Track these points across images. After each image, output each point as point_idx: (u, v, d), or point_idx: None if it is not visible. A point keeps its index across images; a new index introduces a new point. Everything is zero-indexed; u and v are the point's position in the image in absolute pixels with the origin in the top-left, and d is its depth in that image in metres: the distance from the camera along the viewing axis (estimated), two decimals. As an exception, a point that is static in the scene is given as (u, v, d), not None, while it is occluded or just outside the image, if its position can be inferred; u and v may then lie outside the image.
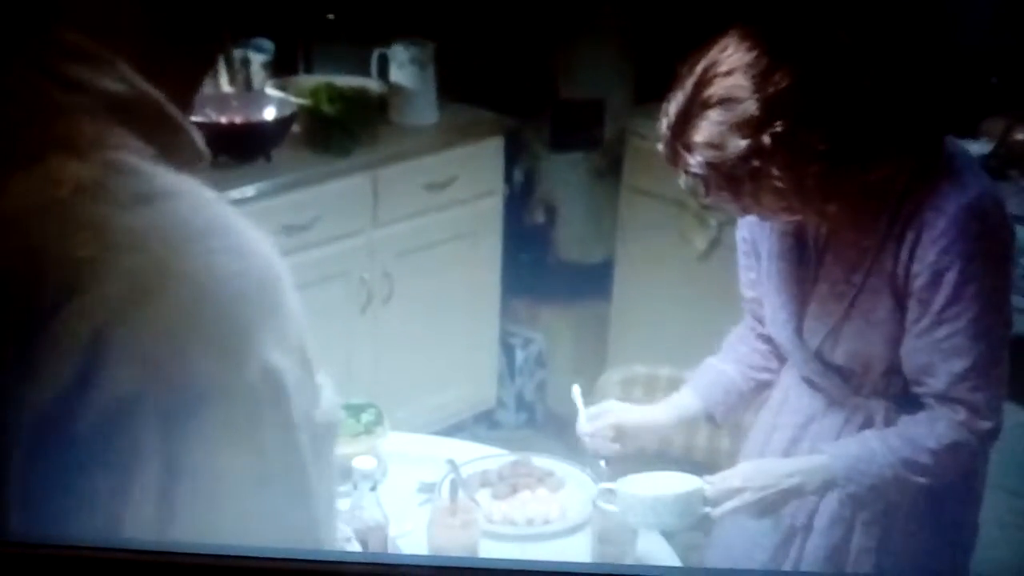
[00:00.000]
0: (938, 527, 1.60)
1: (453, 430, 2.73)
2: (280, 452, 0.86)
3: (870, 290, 1.51)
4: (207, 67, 1.00)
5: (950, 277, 1.45)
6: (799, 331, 1.58)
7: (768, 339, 1.68)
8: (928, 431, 1.51)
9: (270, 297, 0.86)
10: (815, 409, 1.63)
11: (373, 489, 1.62)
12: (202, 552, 0.85)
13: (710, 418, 1.74)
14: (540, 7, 2.82)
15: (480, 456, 1.89)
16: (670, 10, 2.78)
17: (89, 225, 0.82)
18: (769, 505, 1.58)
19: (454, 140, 2.77)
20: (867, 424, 1.58)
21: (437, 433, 2.33)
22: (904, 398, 1.55)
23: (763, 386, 1.72)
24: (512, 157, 2.88)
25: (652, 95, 2.85)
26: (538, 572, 1.05)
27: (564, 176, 2.98)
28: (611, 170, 2.92)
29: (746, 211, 1.50)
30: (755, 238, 1.62)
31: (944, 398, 1.50)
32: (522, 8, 2.83)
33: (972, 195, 1.44)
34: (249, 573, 0.88)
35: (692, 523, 1.63)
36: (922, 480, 1.53)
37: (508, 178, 2.88)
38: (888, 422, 1.56)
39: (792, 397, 1.66)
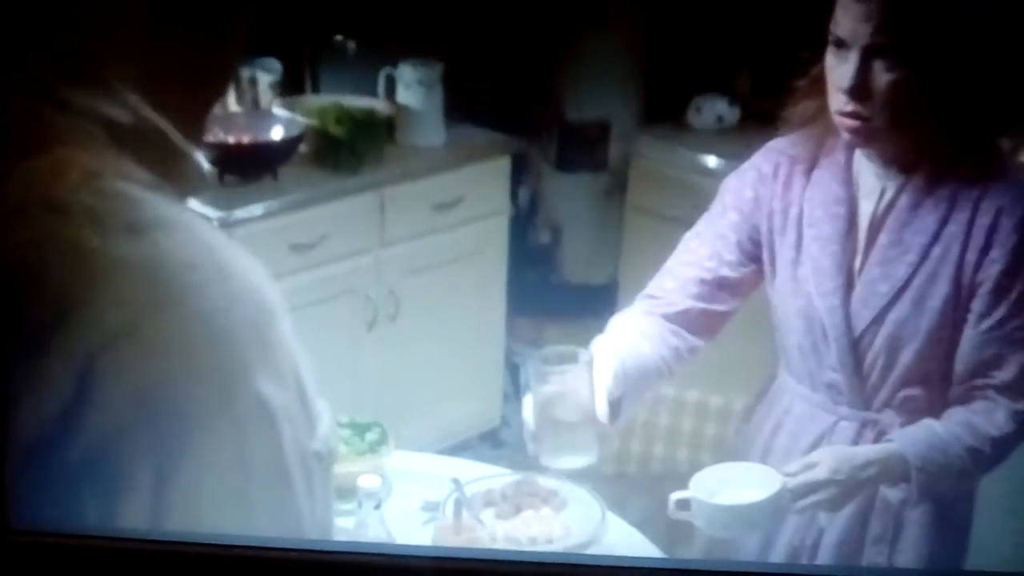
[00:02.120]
0: (942, 534, 1.60)
1: (458, 448, 2.74)
2: (269, 480, 0.87)
3: (928, 274, 1.52)
4: (216, 95, 1.00)
5: None
6: (847, 317, 1.56)
7: (673, 316, 1.65)
8: (988, 420, 1.52)
9: (261, 329, 0.86)
10: (823, 429, 1.62)
11: (377, 507, 1.63)
12: (202, 541, 0.86)
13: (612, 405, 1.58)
14: (547, 29, 2.84)
15: (484, 475, 1.89)
16: (677, 34, 2.80)
17: (80, 252, 0.83)
18: (844, 498, 1.56)
19: (461, 161, 2.78)
20: (878, 440, 1.58)
21: (442, 451, 2.34)
22: (920, 414, 1.56)
23: (663, 377, 1.66)
24: (518, 177, 2.89)
25: (657, 117, 2.90)
26: (537, 563, 1.06)
27: (570, 196, 2.99)
28: (616, 190, 2.93)
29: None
30: (759, 198, 1.62)
31: (1010, 389, 1.50)
32: (529, 29, 2.85)
33: None
34: (253, 563, 0.88)
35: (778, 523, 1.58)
36: (978, 472, 1.54)
37: (514, 198, 2.90)
38: None
39: (790, 420, 1.65)
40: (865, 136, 1.53)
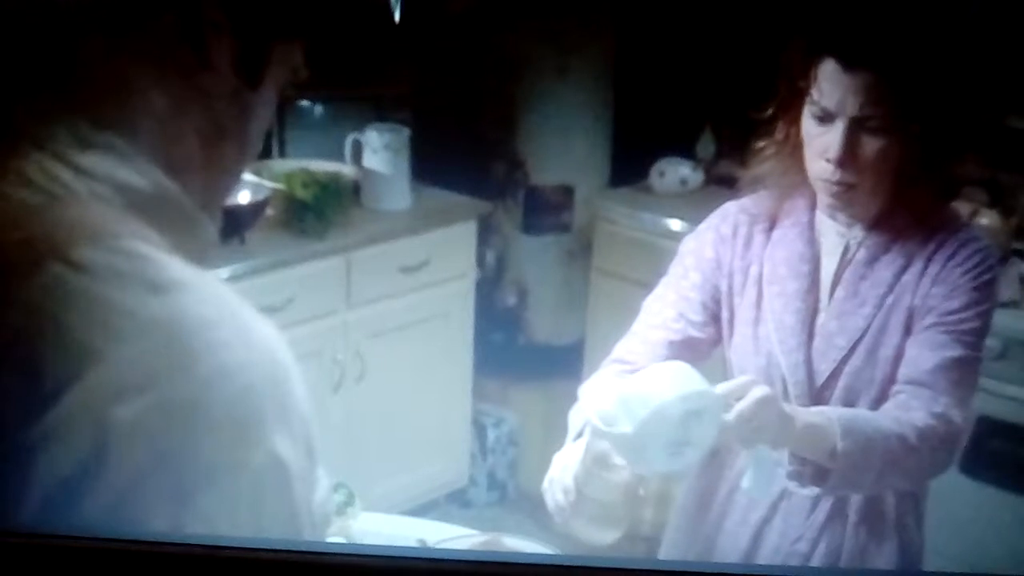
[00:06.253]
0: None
1: (425, 508, 2.74)
2: (281, 532, 0.88)
3: (880, 324, 1.54)
4: (234, 164, 1.01)
5: (966, 297, 1.51)
6: (811, 373, 1.57)
7: None
8: (906, 411, 1.51)
9: (277, 389, 0.87)
10: (782, 486, 1.61)
11: (345, 569, 1.63)
12: (192, 543, 0.86)
13: None
14: (512, 93, 2.88)
15: (451, 536, 1.89)
16: (642, 98, 2.85)
17: (101, 309, 0.83)
18: (758, 429, 1.47)
19: (427, 224, 2.80)
20: (836, 502, 1.58)
21: (409, 512, 2.34)
22: None
23: None
24: (484, 240, 2.92)
25: (621, 181, 2.94)
26: (530, 565, 1.06)
27: (535, 259, 3.02)
28: (582, 253, 2.96)
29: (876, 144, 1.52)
30: (720, 259, 1.63)
31: (924, 384, 1.51)
32: (494, 93, 2.89)
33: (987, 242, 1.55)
34: (245, 564, 0.89)
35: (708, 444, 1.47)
36: (905, 467, 1.51)
37: (480, 261, 2.92)
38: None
39: None
40: (848, 199, 1.55)
